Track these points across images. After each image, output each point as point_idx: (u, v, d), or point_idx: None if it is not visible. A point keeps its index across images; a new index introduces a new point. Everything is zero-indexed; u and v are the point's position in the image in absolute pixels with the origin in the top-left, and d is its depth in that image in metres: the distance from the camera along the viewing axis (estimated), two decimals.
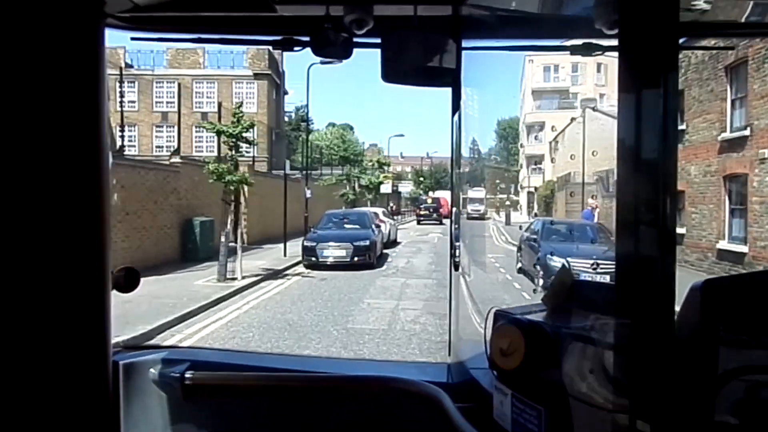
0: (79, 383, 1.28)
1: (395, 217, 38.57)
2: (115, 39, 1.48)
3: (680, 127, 12.19)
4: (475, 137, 1.80)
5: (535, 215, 31.12)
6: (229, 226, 11.92)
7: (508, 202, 36.78)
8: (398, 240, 23.38)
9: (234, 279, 11.74)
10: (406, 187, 51.89)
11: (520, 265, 10.81)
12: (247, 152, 13.80)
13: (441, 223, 36.82)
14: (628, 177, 0.78)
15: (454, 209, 1.87)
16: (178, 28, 1.59)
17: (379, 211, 22.65)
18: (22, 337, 0.91)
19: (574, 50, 1.50)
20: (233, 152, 12.39)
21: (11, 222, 0.98)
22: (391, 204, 37.99)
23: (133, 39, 1.64)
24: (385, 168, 39.02)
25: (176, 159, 16.55)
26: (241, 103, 16.72)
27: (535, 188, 31.90)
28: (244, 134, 12.37)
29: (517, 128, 57.56)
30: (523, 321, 1.15)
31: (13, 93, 0.97)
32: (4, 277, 0.96)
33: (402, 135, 38.50)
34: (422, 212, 39.90)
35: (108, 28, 1.33)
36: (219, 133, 12.41)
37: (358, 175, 33.70)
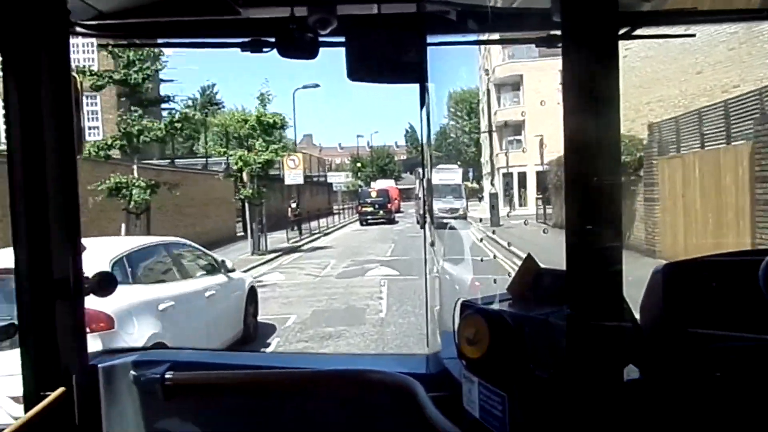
0: (59, 388, 1.42)
1: (313, 225, 26.21)
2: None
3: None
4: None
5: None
6: None
7: (493, 190, 27.27)
8: (267, 322, 9.13)
9: None
10: (339, 179, 46.02)
11: None
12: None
13: (392, 222, 31.80)
14: (577, 169, 0.94)
15: (427, 216, 2.08)
16: (143, 34, 1.78)
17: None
18: None
19: (538, 43, 1.71)
20: None
21: None
22: (292, 203, 25.43)
23: (99, 46, 1.84)
24: (278, 133, 21.60)
25: None
26: None
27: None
28: None
29: (472, 102, 54.60)
30: (488, 310, 1.31)
31: None
32: None
33: (317, 85, 29.85)
34: (366, 208, 33.90)
35: (73, 36, 1.47)
36: None
37: (162, 136, 15.45)
